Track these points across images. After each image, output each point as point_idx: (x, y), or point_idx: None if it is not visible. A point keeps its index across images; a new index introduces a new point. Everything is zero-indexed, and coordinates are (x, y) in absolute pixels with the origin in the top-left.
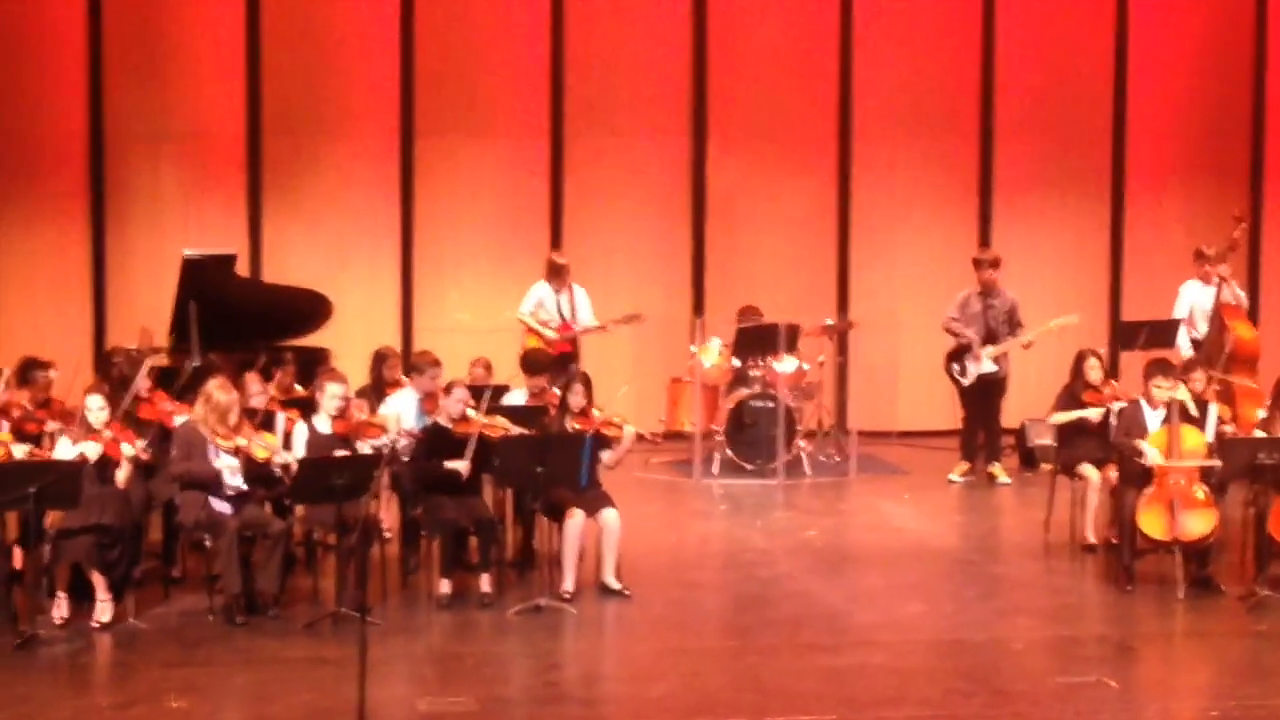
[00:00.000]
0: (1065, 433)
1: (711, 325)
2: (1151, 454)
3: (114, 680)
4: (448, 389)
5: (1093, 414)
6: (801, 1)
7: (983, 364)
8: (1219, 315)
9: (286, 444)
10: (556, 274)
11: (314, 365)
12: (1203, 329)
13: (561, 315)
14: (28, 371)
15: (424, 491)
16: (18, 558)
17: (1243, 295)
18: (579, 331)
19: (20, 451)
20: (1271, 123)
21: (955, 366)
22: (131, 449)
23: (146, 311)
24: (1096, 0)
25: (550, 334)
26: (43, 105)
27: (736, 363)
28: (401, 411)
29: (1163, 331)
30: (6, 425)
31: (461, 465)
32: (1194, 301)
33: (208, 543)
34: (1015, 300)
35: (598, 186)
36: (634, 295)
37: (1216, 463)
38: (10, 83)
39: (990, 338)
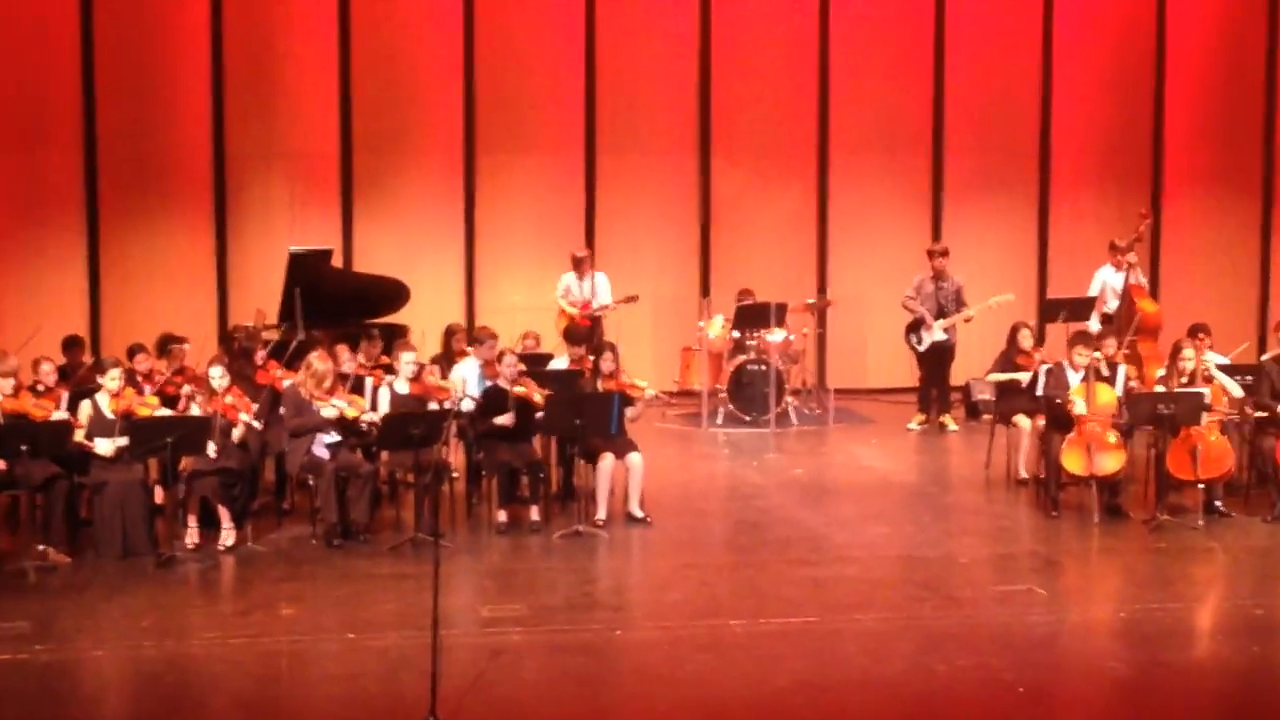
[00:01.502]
0: (1002, 390)
1: (716, 304)
2: (1079, 404)
3: (236, 592)
4: (500, 356)
5: (1023, 376)
6: (788, 41)
7: (935, 334)
8: (1128, 294)
9: (374, 403)
10: (577, 265)
11: (395, 339)
12: (1113, 305)
13: (583, 297)
14: (166, 345)
15: (484, 439)
16: (159, 495)
17: (1144, 279)
18: (595, 310)
19: (161, 410)
20: (1169, 138)
21: (912, 337)
22: (247, 416)
23: (261, 297)
24: (1027, 36)
25: (574, 312)
26: (175, 130)
27: (736, 334)
28: (466, 376)
29: (1080, 307)
30: (149, 389)
31: (506, 418)
32: (1107, 282)
33: (311, 482)
34: (960, 283)
35: (623, 193)
36: (652, 280)
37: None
38: (148, 111)
39: (940, 313)
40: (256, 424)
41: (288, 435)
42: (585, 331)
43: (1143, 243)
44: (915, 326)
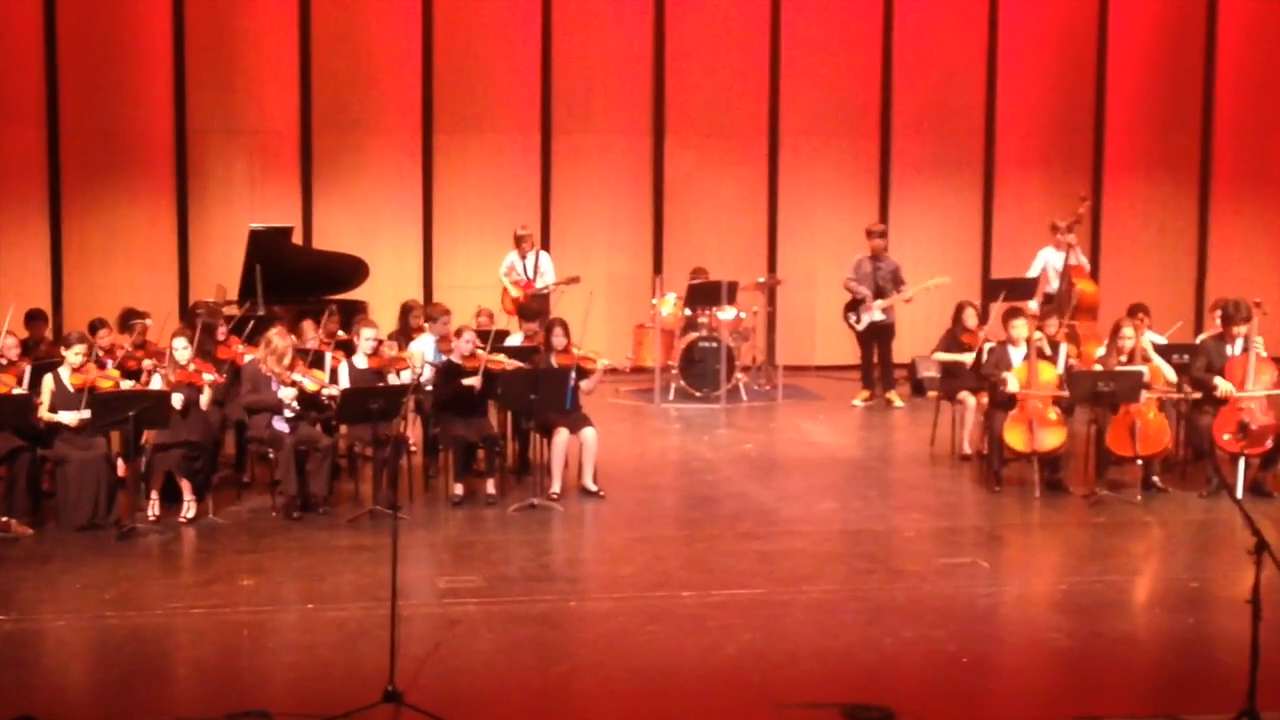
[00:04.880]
0: (947, 367)
1: (668, 282)
2: (1011, 382)
3: (197, 564)
4: (458, 333)
5: (968, 357)
6: (740, 24)
7: (874, 313)
8: (1068, 274)
9: (334, 378)
10: (519, 243)
11: (354, 315)
12: (1054, 285)
13: (526, 275)
14: (128, 320)
15: (441, 413)
16: (121, 468)
17: (1084, 260)
18: (538, 289)
19: (123, 385)
20: (1110, 121)
21: (851, 316)
22: (211, 376)
23: (221, 273)
24: (973, 23)
25: (515, 292)
26: (138, 106)
27: (688, 312)
28: (423, 351)
29: (1023, 288)
30: (111, 363)
31: (475, 380)
32: (1049, 262)
33: (271, 455)
34: (898, 264)
35: (577, 172)
36: (606, 258)
37: (1064, 394)
38: (110, 88)
39: (879, 293)
40: (220, 381)
41: (247, 411)
42: (537, 307)
43: (1082, 224)
44: (854, 305)
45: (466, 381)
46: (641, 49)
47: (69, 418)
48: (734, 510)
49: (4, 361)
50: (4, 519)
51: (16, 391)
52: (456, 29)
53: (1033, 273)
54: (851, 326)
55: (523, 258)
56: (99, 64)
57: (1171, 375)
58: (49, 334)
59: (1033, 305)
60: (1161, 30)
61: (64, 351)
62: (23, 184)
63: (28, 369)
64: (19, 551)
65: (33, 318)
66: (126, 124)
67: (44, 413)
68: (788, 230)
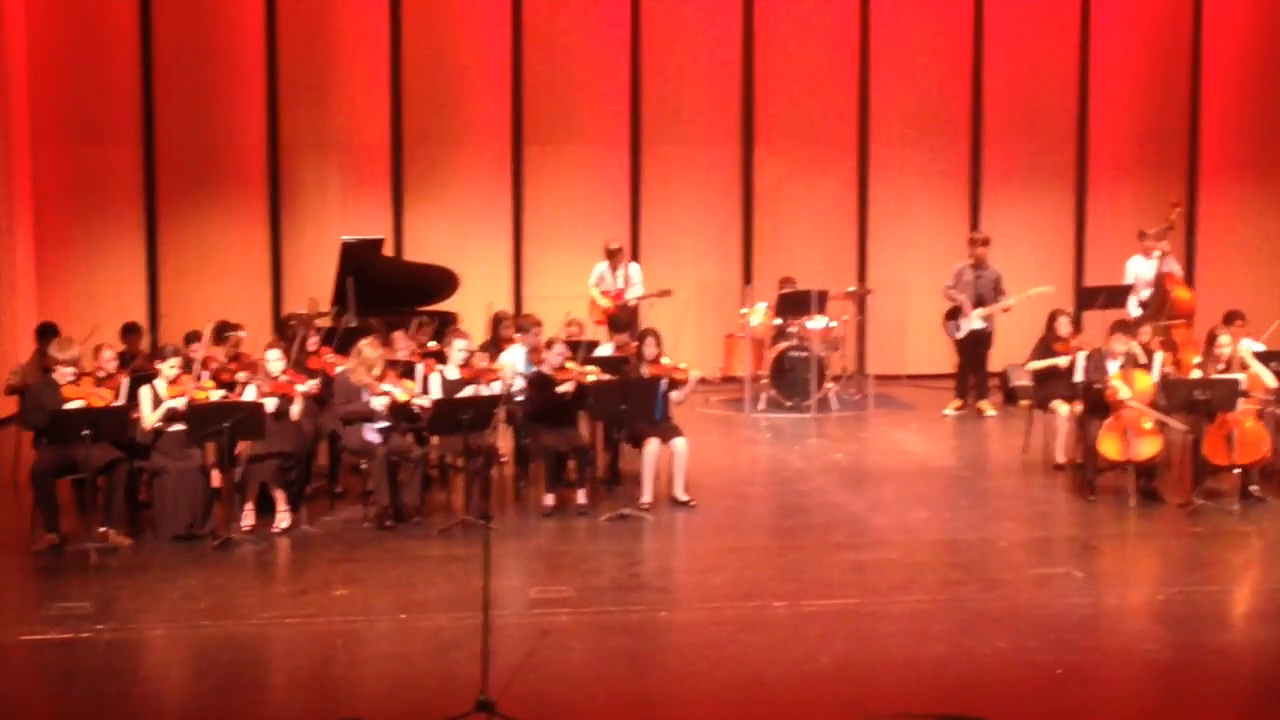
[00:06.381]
0: (1040, 375)
1: (758, 291)
2: (1121, 389)
3: (291, 574)
4: (549, 344)
5: (1061, 362)
6: (829, 32)
7: (972, 322)
8: (1160, 281)
9: (425, 388)
10: (611, 256)
11: (445, 325)
12: (1144, 294)
13: (615, 286)
14: (222, 332)
15: (532, 424)
16: (216, 478)
17: (1178, 267)
18: (627, 301)
19: (217, 395)
20: (1204, 126)
21: (950, 324)
22: (304, 386)
23: (314, 284)
24: (1064, 28)
25: (605, 303)
26: (232, 122)
27: (778, 321)
28: (514, 361)
29: (1116, 295)
30: (206, 375)
31: (569, 386)
32: (1137, 272)
33: (363, 466)
34: (999, 273)
35: (666, 182)
36: (695, 268)
37: (1182, 426)
38: (204, 105)
39: (979, 302)
40: (314, 392)
41: (340, 421)
42: (628, 318)
43: (1174, 230)
44: (954, 314)
45: (561, 389)
46: (730, 58)
47: (169, 404)
48: (825, 520)
49: (102, 374)
50: (102, 529)
51: (114, 404)
52: (546, 41)
53: (1126, 281)
54: (950, 335)
55: (613, 270)
56: (193, 82)
57: (1272, 381)
58: (145, 347)
59: (1132, 309)
60: (1255, 34)
61: (159, 365)
62: (119, 200)
63: (125, 381)
64: (117, 561)
65: (129, 331)
66: (221, 140)
67: (147, 420)
68: (877, 238)
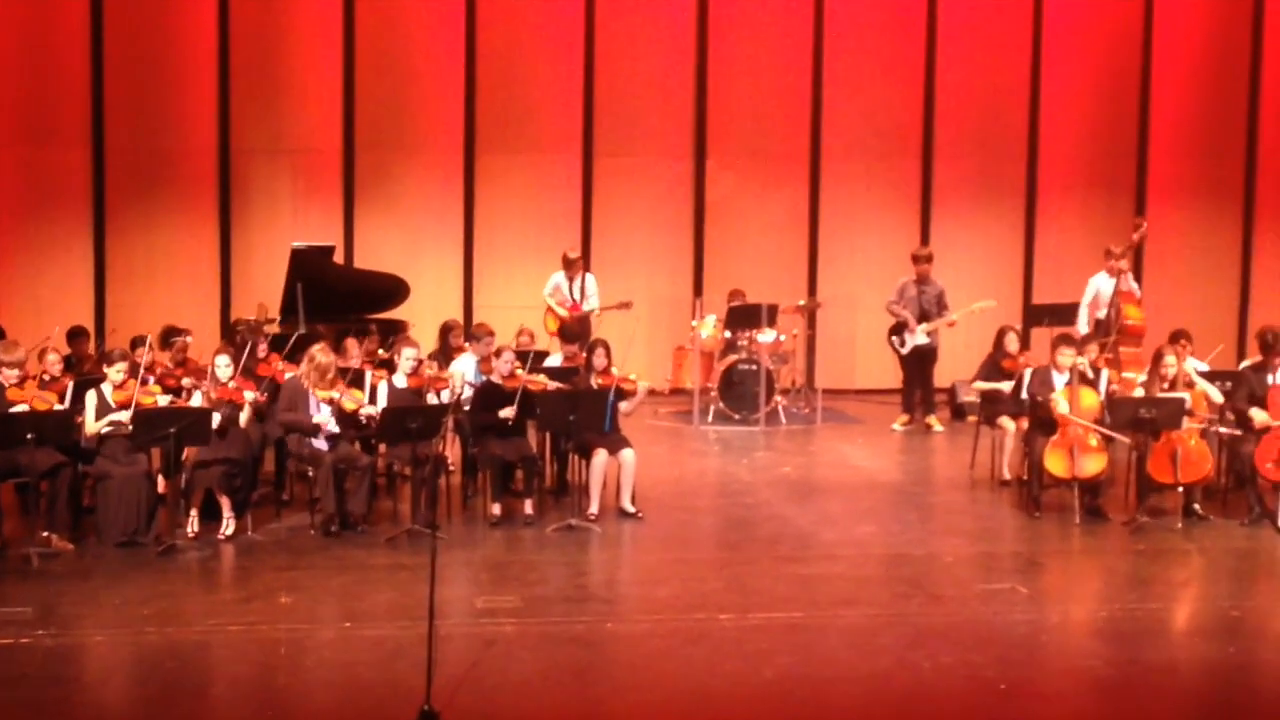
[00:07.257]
0: (987, 392)
1: (708, 304)
2: (1061, 404)
3: (236, 580)
4: (498, 353)
5: (1007, 386)
6: (782, 47)
7: (917, 337)
8: (1116, 300)
9: (373, 397)
10: (569, 266)
11: (394, 334)
12: (1101, 313)
13: (572, 298)
14: (168, 337)
15: (480, 433)
16: (161, 484)
17: (1135, 286)
18: (584, 312)
19: (164, 401)
20: (1154, 146)
21: (895, 339)
22: (252, 394)
23: (263, 291)
24: (1016, 46)
25: (562, 312)
26: (183, 126)
27: (728, 334)
28: (464, 371)
29: (1063, 313)
30: (152, 380)
31: (509, 411)
32: (1099, 289)
33: (310, 473)
34: (943, 287)
35: (618, 194)
36: (647, 280)
37: (1125, 438)
38: (154, 109)
39: (923, 317)
40: (262, 399)
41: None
42: (578, 329)
43: (1134, 249)
44: (898, 329)
45: (502, 414)
46: (684, 71)
47: (114, 417)
48: (772, 533)
49: (47, 378)
50: (45, 534)
51: (58, 408)
52: (500, 50)
53: (1085, 300)
54: (896, 350)
55: (570, 280)
56: (144, 85)
57: (1218, 397)
58: (91, 351)
59: (1082, 328)
60: (1205, 56)
61: (106, 369)
62: (67, 203)
63: (70, 385)
64: (59, 567)
65: (75, 335)
66: (171, 143)
67: (90, 427)
68: (828, 253)
